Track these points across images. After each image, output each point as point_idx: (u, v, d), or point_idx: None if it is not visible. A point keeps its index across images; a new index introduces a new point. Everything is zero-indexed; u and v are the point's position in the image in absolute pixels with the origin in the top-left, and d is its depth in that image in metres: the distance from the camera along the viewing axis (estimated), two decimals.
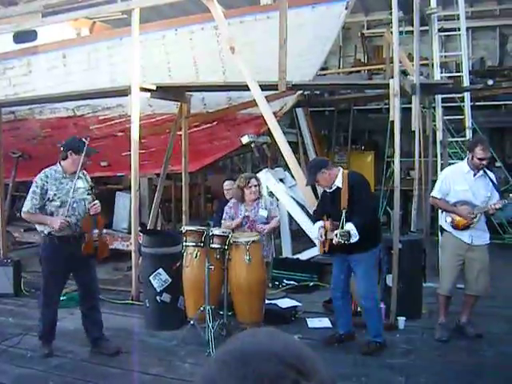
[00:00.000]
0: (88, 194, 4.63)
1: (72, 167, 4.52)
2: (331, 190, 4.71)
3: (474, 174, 4.89)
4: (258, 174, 7.77)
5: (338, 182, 4.64)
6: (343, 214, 4.52)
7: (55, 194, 4.47)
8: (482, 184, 4.90)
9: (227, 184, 6.40)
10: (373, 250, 4.66)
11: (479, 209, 4.82)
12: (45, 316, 4.66)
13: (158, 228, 8.89)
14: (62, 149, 4.51)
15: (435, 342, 4.88)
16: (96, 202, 4.62)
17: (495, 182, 4.98)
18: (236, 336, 0.76)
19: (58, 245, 4.51)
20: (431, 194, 5.22)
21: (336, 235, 4.44)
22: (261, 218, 5.58)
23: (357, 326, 4.94)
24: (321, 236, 4.66)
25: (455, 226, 4.93)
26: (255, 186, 5.57)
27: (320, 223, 4.71)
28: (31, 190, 4.48)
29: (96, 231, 4.66)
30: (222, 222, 5.69)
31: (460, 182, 4.95)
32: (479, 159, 4.80)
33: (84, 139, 4.56)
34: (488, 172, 4.96)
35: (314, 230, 4.91)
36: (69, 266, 4.60)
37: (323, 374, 0.71)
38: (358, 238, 4.42)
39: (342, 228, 4.47)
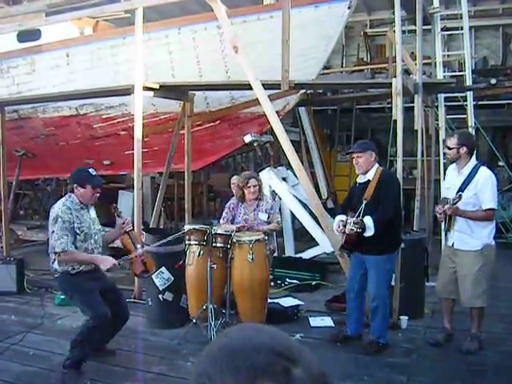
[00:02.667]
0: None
1: (82, 199, 4.28)
2: (362, 182, 4.69)
3: (459, 172, 4.59)
4: (260, 173, 7.81)
5: (370, 175, 4.63)
6: (363, 205, 4.45)
7: (79, 228, 4.21)
8: (463, 183, 4.51)
9: (235, 178, 6.40)
10: (389, 254, 4.56)
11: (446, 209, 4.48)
12: (93, 340, 4.20)
13: (161, 227, 8.91)
14: (68, 180, 4.35)
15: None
16: (127, 218, 4.53)
17: (475, 183, 4.43)
18: (223, 333, 0.79)
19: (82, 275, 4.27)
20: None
21: (350, 223, 4.40)
22: (260, 221, 5.54)
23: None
24: (338, 227, 4.59)
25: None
26: (254, 186, 5.53)
27: (340, 217, 4.64)
28: (59, 226, 4.12)
29: (139, 246, 4.41)
30: (221, 222, 5.66)
31: (448, 179, 4.80)
32: (446, 148, 4.63)
33: (90, 169, 4.35)
34: (481, 171, 4.47)
35: (334, 223, 4.76)
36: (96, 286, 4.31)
37: (310, 360, 0.74)
38: (373, 232, 4.36)
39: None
